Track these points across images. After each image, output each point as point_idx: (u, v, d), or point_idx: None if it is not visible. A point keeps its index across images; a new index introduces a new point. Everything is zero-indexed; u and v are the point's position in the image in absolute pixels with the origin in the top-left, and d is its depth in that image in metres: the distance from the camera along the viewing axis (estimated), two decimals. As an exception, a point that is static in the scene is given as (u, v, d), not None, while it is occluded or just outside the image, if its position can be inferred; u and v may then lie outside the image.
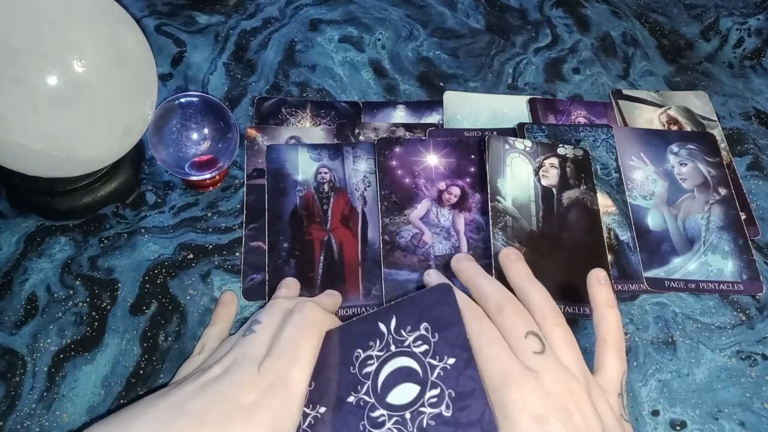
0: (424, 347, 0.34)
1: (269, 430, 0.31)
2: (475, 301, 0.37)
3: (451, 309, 0.35)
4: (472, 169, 0.52)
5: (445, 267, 0.47)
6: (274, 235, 0.48)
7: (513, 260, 0.41)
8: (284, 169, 0.51)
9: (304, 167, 0.51)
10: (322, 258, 0.48)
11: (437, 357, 0.33)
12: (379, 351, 0.35)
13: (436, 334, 0.34)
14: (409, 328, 0.35)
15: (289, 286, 0.44)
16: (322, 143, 0.53)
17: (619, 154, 0.55)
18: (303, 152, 0.52)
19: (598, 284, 0.39)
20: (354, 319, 0.38)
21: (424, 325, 0.35)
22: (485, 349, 0.32)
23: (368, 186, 0.51)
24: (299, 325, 0.35)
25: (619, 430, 0.33)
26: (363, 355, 0.35)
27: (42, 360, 0.42)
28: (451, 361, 0.33)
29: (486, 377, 0.32)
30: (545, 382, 0.31)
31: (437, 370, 0.33)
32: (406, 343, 0.35)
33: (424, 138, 0.54)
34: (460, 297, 0.36)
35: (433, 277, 0.42)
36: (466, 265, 0.41)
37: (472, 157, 0.53)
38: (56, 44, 0.37)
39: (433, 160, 0.52)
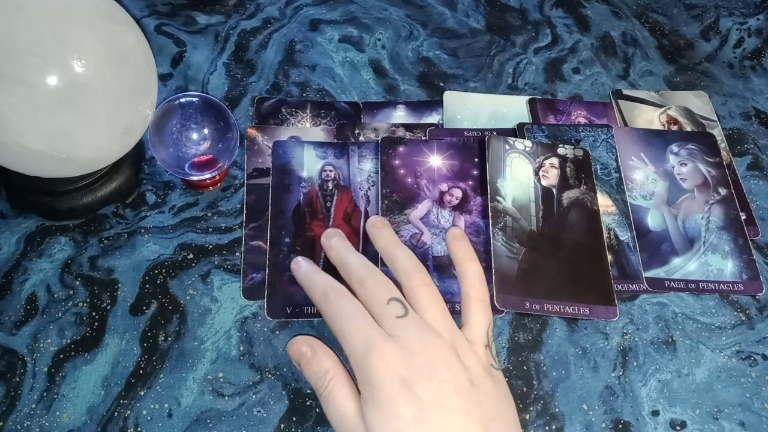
0: None
1: None
2: (343, 280, 0.37)
3: None
4: (475, 172, 0.52)
5: (443, 268, 0.47)
6: (276, 229, 0.48)
7: (378, 228, 0.40)
8: (290, 165, 0.51)
9: (310, 164, 0.52)
10: (323, 254, 0.48)
11: None
12: None
13: None
14: None
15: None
16: (328, 141, 0.53)
17: (619, 154, 0.55)
18: (309, 149, 0.52)
19: (456, 241, 0.39)
20: None
21: None
22: (346, 325, 0.32)
23: (372, 185, 0.51)
24: None
25: (488, 378, 0.33)
26: None
27: (42, 360, 0.42)
28: None
29: (350, 351, 0.32)
30: (408, 343, 0.31)
31: None
32: None
33: (427, 139, 0.54)
34: (324, 280, 0.36)
35: (301, 265, 0.40)
36: (335, 243, 0.40)
37: (475, 160, 0.53)
38: (56, 44, 0.37)
39: (436, 161, 0.52)
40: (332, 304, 0.34)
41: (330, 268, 0.47)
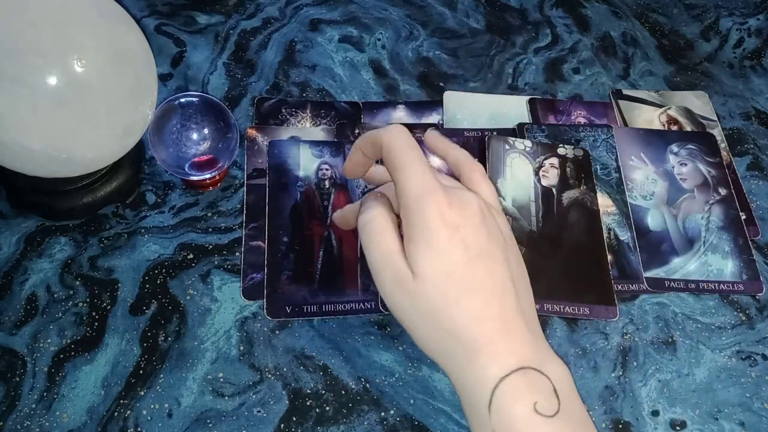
0: None
1: None
2: None
3: None
4: (473, 170, 0.52)
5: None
6: (274, 229, 0.48)
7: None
8: (286, 165, 0.51)
9: (306, 163, 0.52)
10: (321, 253, 0.48)
11: None
12: None
13: None
14: None
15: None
16: (324, 140, 0.53)
17: (619, 154, 0.55)
18: (305, 148, 0.52)
19: (437, 138, 0.41)
20: None
21: None
22: (408, 167, 0.34)
23: (369, 184, 0.51)
24: None
25: (513, 243, 0.37)
26: None
27: (42, 360, 0.42)
28: None
29: (407, 192, 0.33)
30: (459, 195, 0.34)
31: None
32: None
33: (424, 138, 0.54)
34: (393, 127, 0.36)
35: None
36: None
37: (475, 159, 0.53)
38: (56, 44, 0.37)
39: (436, 161, 0.52)
40: (398, 144, 0.35)
41: (325, 270, 0.47)
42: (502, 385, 0.31)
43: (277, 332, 0.45)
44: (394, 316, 0.35)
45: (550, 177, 0.52)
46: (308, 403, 0.42)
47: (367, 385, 0.43)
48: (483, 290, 0.32)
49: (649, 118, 0.59)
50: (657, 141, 0.56)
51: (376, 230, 0.35)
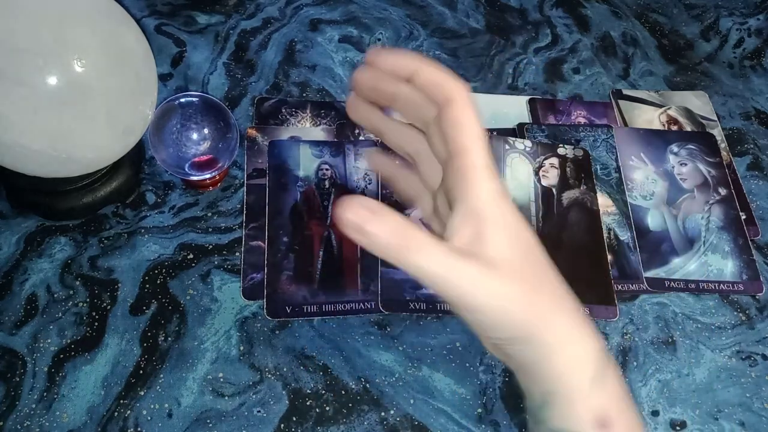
0: None
1: None
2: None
3: None
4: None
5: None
6: (274, 229, 0.48)
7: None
8: (286, 165, 0.51)
9: (306, 163, 0.52)
10: (321, 253, 0.48)
11: None
12: None
13: None
14: None
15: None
16: (324, 140, 0.53)
17: (619, 154, 0.55)
18: (305, 148, 0.52)
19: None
20: None
21: None
22: (484, 148, 0.32)
23: (369, 183, 0.51)
24: None
25: None
26: None
27: (42, 360, 0.42)
28: None
29: (472, 162, 0.31)
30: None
31: None
32: None
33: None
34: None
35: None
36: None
37: None
38: (56, 44, 0.37)
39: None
40: (469, 119, 0.31)
41: (325, 270, 0.47)
42: (605, 368, 0.31)
43: (277, 332, 0.45)
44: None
45: (550, 177, 0.52)
46: (308, 403, 0.42)
47: (367, 385, 0.43)
48: (551, 282, 0.33)
49: (649, 118, 0.59)
50: (657, 141, 0.56)
51: (410, 248, 0.29)
